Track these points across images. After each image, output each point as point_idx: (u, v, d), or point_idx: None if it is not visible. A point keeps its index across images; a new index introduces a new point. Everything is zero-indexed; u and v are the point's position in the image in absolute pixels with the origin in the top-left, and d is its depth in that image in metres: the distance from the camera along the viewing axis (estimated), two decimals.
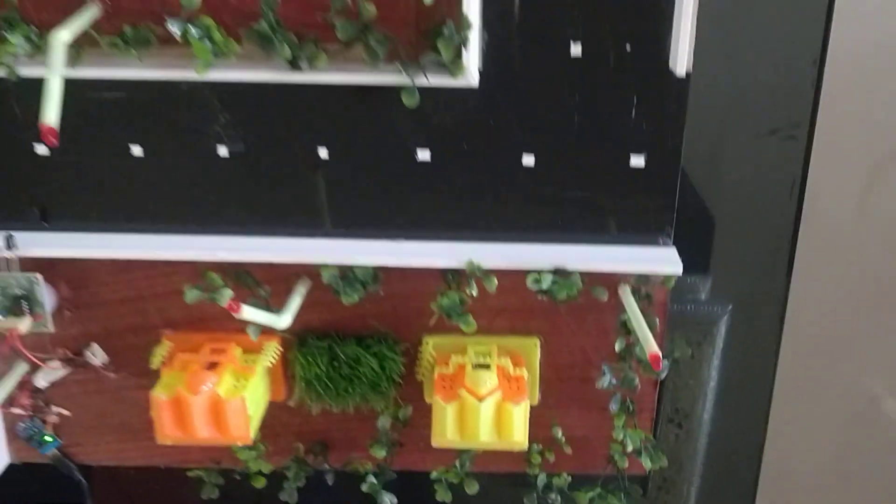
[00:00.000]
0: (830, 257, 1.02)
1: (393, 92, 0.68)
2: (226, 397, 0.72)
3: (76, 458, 0.86)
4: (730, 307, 0.97)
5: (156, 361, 0.76)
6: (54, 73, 0.59)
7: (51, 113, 0.58)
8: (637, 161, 0.73)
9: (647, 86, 0.70)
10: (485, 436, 0.73)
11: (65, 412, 0.83)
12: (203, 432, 0.73)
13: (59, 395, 0.82)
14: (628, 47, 0.69)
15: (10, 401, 0.81)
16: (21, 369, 0.80)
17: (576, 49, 0.69)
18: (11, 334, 0.74)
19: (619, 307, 0.76)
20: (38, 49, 0.66)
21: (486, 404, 0.71)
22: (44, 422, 0.83)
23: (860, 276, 1.04)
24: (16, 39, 0.65)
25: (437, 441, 0.74)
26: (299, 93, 0.70)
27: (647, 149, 0.72)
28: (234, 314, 0.64)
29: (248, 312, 0.65)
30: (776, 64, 0.85)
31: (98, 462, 0.86)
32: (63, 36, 0.61)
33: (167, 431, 0.73)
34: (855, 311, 1.06)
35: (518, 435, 0.73)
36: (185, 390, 0.71)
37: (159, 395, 0.72)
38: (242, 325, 0.73)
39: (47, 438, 0.83)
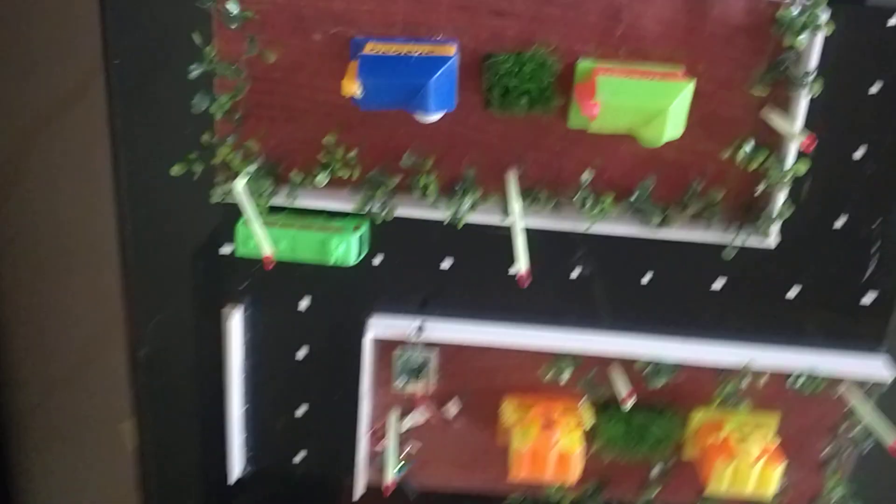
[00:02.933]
0: None
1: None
2: (568, 450, 1.01)
3: (413, 480, 1.14)
4: None
5: (509, 419, 1.05)
6: (520, 234, 0.88)
7: (522, 261, 0.87)
8: (869, 298, 1.02)
9: (885, 250, 0.99)
10: (749, 489, 1.02)
11: (416, 447, 1.11)
12: (548, 475, 1.02)
13: (414, 434, 1.11)
14: (876, 223, 0.98)
15: (376, 437, 1.10)
16: (396, 413, 1.08)
17: (839, 222, 0.98)
18: (417, 395, 1.03)
19: (842, 395, 1.05)
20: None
21: (757, 466, 1.01)
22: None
23: None
24: (469, 198, 0.94)
25: (712, 490, 1.03)
26: (634, 240, 0.98)
27: (877, 291, 1.02)
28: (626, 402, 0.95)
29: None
30: None
31: (428, 485, 1.15)
32: (514, 208, 0.90)
33: (522, 473, 1.01)
34: None
35: (771, 489, 1.02)
36: (541, 444, 1.00)
37: (521, 446, 1.01)
38: (566, 392, 1.04)
39: (399, 466, 1.11)
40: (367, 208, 0.94)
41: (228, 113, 0.92)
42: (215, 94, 0.91)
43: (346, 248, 0.94)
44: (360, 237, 0.96)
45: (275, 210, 0.96)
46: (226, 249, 1.01)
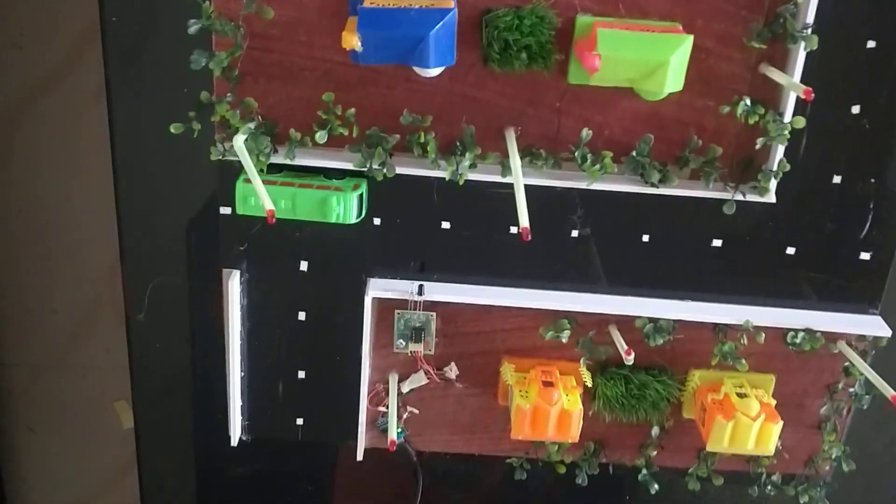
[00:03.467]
0: None
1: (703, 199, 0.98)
2: (569, 409, 1.01)
3: (413, 445, 1.14)
4: None
5: (509, 379, 1.05)
6: (521, 189, 0.88)
7: (524, 217, 0.87)
8: (865, 256, 1.03)
9: (880, 209, 1.00)
10: (749, 446, 1.02)
11: (415, 411, 1.11)
12: (550, 433, 1.02)
13: (412, 398, 1.10)
14: (873, 181, 0.99)
15: (376, 400, 1.10)
16: (395, 377, 1.08)
17: (837, 179, 0.99)
18: (419, 355, 1.03)
19: (837, 355, 1.06)
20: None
21: (756, 423, 1.01)
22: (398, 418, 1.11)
23: None
24: (468, 156, 0.94)
25: (712, 447, 1.03)
26: (632, 197, 0.98)
27: (872, 249, 1.02)
28: (628, 356, 0.95)
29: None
30: None
31: (428, 449, 1.14)
32: (515, 164, 0.89)
33: (524, 431, 1.01)
34: None
35: (771, 446, 1.03)
36: (543, 403, 1.00)
37: (523, 405, 1.01)
38: (564, 355, 1.04)
39: (399, 430, 1.11)
40: (366, 166, 0.93)
41: (226, 70, 0.91)
42: (213, 52, 0.90)
43: (347, 207, 0.94)
44: (360, 196, 0.96)
45: (273, 169, 0.96)
46: (224, 210, 1.00)
